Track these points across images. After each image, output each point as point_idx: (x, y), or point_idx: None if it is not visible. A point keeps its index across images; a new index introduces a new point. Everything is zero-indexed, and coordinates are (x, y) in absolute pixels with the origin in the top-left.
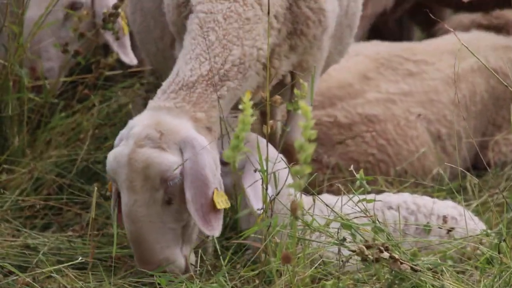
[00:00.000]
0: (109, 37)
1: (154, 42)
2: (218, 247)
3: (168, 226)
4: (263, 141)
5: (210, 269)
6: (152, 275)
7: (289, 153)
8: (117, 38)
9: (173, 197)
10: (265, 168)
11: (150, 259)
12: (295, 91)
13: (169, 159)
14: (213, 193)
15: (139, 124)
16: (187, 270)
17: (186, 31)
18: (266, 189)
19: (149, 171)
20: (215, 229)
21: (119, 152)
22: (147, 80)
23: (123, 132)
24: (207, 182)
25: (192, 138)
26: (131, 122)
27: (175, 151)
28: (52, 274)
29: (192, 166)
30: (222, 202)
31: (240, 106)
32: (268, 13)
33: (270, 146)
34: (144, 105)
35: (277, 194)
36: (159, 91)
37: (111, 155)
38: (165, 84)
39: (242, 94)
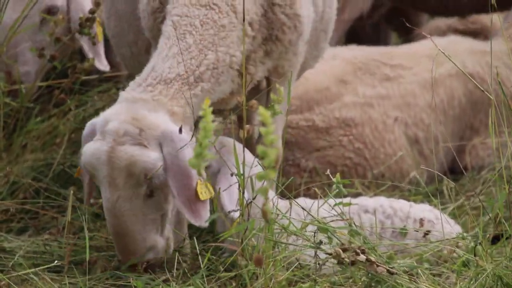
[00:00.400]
0: (84, 42)
1: (129, 46)
2: (197, 248)
3: (150, 217)
4: (239, 146)
5: (187, 271)
6: (128, 277)
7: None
8: (94, 43)
9: (155, 190)
10: (241, 172)
11: (133, 250)
12: (272, 96)
13: (152, 157)
14: (196, 184)
15: (115, 118)
16: (168, 248)
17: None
18: (243, 192)
19: (133, 168)
20: (203, 219)
21: (97, 148)
22: (123, 84)
23: (94, 123)
24: (189, 174)
25: (171, 131)
26: (104, 115)
27: (156, 146)
28: (28, 277)
29: (173, 161)
30: (205, 192)
31: (200, 113)
32: (244, 20)
33: (246, 150)
34: None
35: (254, 198)
36: (132, 83)
37: (87, 150)
38: (139, 77)
39: (215, 97)
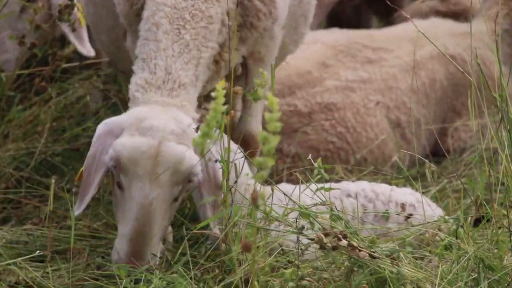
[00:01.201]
0: (65, 28)
1: (107, 32)
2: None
3: (164, 224)
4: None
5: (170, 259)
6: (111, 266)
7: (246, 143)
8: (74, 30)
9: (181, 195)
10: (225, 158)
11: (144, 254)
12: (255, 80)
13: (195, 156)
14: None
15: (153, 117)
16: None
17: (149, 22)
18: (227, 179)
19: (180, 166)
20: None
21: (143, 142)
22: (104, 71)
23: (118, 121)
24: (219, 189)
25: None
26: (132, 114)
27: (193, 149)
28: (10, 267)
29: (210, 171)
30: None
31: (213, 94)
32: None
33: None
34: (103, 97)
35: (235, 183)
36: (147, 86)
37: (127, 144)
38: (153, 79)
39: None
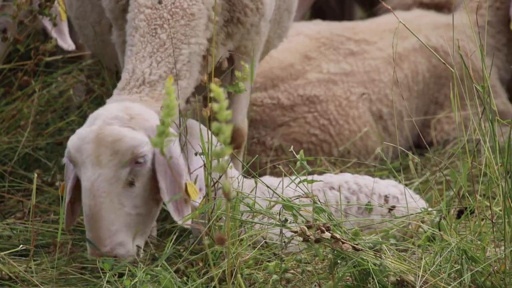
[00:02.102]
0: (46, 23)
1: (92, 26)
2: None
3: (125, 210)
4: (204, 129)
5: (154, 252)
6: (95, 260)
7: (231, 137)
8: (55, 24)
9: (136, 179)
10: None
11: (104, 241)
12: (236, 73)
13: (140, 136)
14: (185, 184)
15: (104, 108)
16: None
17: (131, 25)
18: (210, 173)
19: (118, 145)
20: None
21: (84, 130)
22: (87, 65)
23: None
24: (181, 173)
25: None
26: (93, 114)
27: (144, 134)
28: None
29: (173, 168)
30: (195, 192)
31: (163, 91)
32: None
33: (208, 130)
34: (86, 91)
35: (220, 178)
36: (115, 90)
37: (73, 136)
38: (120, 83)
39: (190, 91)
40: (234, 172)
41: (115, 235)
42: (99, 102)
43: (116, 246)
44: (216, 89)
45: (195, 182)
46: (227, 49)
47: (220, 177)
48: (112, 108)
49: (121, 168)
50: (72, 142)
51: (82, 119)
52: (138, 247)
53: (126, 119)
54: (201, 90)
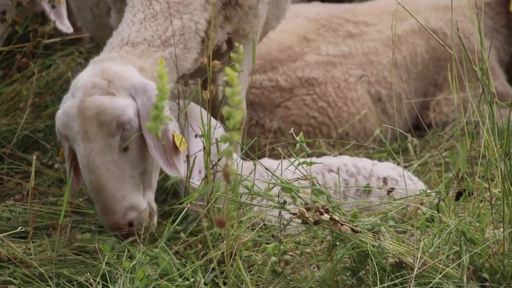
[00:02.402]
0: (45, 5)
1: (90, 9)
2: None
3: (127, 174)
4: (204, 112)
5: (154, 232)
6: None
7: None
8: (53, 6)
9: (129, 143)
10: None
11: (113, 209)
12: (232, 54)
13: (122, 102)
14: (173, 136)
15: (82, 75)
16: (151, 218)
17: (128, 3)
18: (209, 155)
19: (102, 116)
20: (180, 170)
21: (67, 106)
22: (86, 47)
23: (68, 93)
24: (166, 125)
25: (142, 82)
26: (75, 80)
27: (126, 96)
28: None
29: (148, 111)
30: (183, 143)
31: (155, 74)
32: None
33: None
34: None
35: (219, 160)
36: (102, 51)
37: (59, 112)
38: (106, 46)
39: (186, 66)
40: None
41: (123, 200)
42: None
43: (127, 211)
44: (231, 73)
45: (193, 164)
46: (225, 32)
47: (219, 160)
48: (89, 74)
49: (111, 138)
50: (59, 119)
51: None
52: (155, 211)
53: (104, 85)
54: (202, 73)
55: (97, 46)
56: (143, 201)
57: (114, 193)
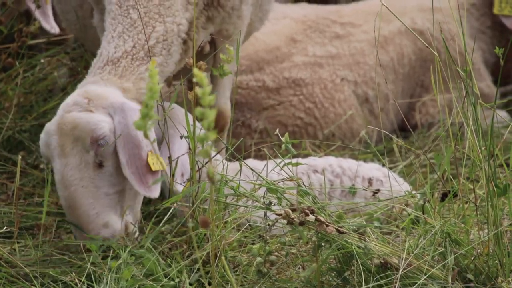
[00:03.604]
0: (30, 4)
1: (74, 11)
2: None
3: (102, 191)
4: (188, 114)
5: (138, 234)
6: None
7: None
8: (38, 7)
9: (104, 159)
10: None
11: (87, 225)
12: (221, 55)
13: (97, 118)
14: (147, 155)
15: (68, 98)
16: (129, 236)
17: (106, 12)
18: (194, 155)
19: (77, 131)
20: (153, 191)
21: (48, 124)
22: (71, 48)
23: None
24: (139, 144)
25: (120, 102)
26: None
27: (104, 114)
28: None
29: (123, 129)
30: (157, 164)
31: (147, 74)
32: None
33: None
34: (69, 74)
35: (206, 163)
36: (87, 74)
37: (42, 133)
38: (92, 65)
39: (169, 71)
40: (217, 156)
41: (97, 218)
42: None
43: (101, 228)
44: (199, 74)
45: (175, 167)
46: (208, 33)
47: (206, 162)
48: (73, 95)
49: (86, 153)
50: (41, 139)
51: None
52: (132, 223)
53: (84, 103)
54: (186, 73)
55: (82, 46)
56: (118, 221)
57: (88, 211)
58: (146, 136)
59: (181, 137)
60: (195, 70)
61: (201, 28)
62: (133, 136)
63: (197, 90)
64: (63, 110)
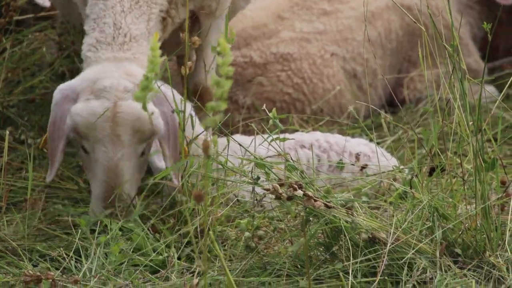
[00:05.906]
0: None
1: None
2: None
3: (138, 177)
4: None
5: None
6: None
7: (199, 95)
8: None
9: (147, 149)
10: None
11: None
12: (212, 48)
13: (153, 110)
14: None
15: (105, 76)
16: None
17: None
18: (183, 130)
19: (139, 123)
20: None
21: (97, 106)
22: (59, 23)
23: (71, 86)
24: (177, 135)
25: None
26: (83, 77)
27: (152, 103)
28: None
29: (169, 122)
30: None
31: (148, 47)
32: None
33: (176, 92)
34: (58, 48)
35: (197, 136)
36: (97, 44)
37: (82, 110)
38: (103, 37)
39: None
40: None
41: (128, 198)
42: (71, 60)
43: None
44: (224, 44)
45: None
46: (188, 9)
47: (196, 137)
48: (115, 75)
49: (140, 144)
50: (81, 117)
51: (54, 77)
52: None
53: (134, 90)
54: (173, 50)
55: (68, 22)
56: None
57: (128, 194)
58: (145, 108)
59: (172, 112)
60: (220, 40)
61: (180, 5)
62: (176, 127)
63: (218, 59)
64: (116, 96)
